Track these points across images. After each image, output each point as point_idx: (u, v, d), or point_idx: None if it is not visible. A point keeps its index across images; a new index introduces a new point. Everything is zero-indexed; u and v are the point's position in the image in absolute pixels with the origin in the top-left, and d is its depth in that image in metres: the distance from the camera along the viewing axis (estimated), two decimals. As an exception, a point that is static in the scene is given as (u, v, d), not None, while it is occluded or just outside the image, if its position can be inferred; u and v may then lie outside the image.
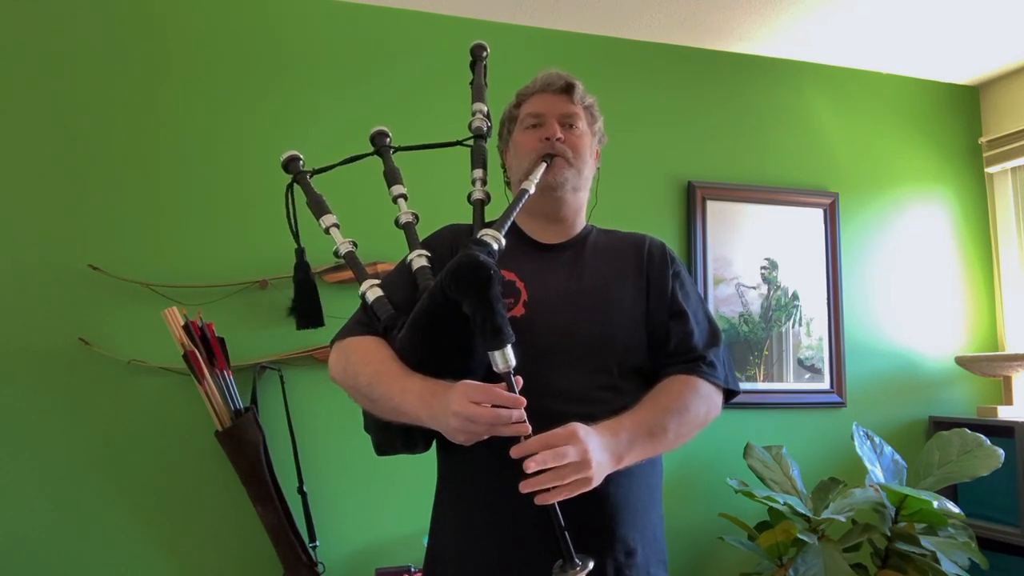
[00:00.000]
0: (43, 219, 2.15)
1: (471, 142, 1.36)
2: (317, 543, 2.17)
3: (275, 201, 2.24)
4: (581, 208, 1.34)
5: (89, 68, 2.24)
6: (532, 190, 1.20)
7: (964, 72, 3.01)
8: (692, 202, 2.71)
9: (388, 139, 1.37)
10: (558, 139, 1.26)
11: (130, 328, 2.16)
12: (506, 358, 1.01)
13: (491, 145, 1.40)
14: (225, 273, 2.24)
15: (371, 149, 1.38)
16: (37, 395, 2.10)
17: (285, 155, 1.34)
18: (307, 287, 1.43)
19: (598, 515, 1.11)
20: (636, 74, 2.74)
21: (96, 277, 2.15)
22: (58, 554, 2.07)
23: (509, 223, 1.14)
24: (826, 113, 2.93)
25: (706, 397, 1.19)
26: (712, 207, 2.73)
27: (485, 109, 1.38)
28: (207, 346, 2.10)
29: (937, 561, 2.11)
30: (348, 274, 2.27)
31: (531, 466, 0.95)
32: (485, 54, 1.46)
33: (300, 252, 1.41)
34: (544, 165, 1.24)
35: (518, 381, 1.03)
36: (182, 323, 2.08)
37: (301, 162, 1.34)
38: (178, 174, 2.27)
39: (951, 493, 2.69)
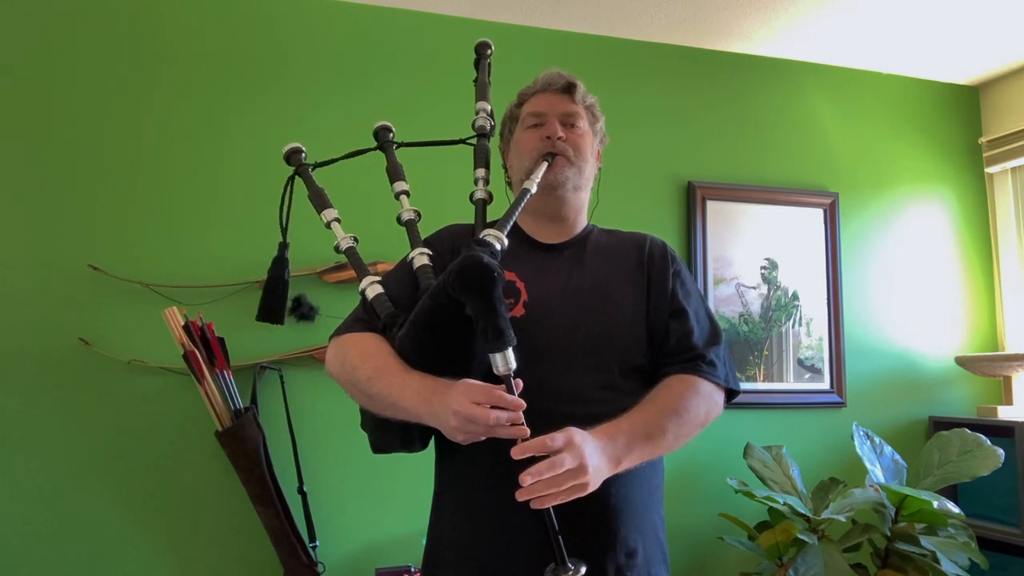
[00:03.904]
0: (43, 219, 2.15)
1: (474, 140, 1.36)
2: (317, 543, 2.17)
3: (275, 201, 2.24)
4: (582, 207, 1.34)
5: (89, 68, 2.24)
6: (534, 189, 1.20)
7: (964, 72, 3.01)
8: (692, 202, 2.71)
9: (391, 134, 1.37)
10: (559, 138, 1.26)
11: (130, 328, 2.16)
12: (507, 360, 1.00)
13: (493, 145, 1.39)
14: (225, 273, 2.24)
15: (374, 144, 1.37)
16: (37, 395, 2.10)
17: (287, 147, 1.33)
18: (278, 283, 1.40)
19: (598, 516, 1.10)
20: (636, 74, 2.74)
21: (96, 277, 2.15)
22: (58, 553, 2.07)
23: (511, 223, 1.14)
24: (826, 113, 2.93)
25: (706, 397, 1.18)
26: (712, 207, 2.73)
27: (488, 108, 1.37)
28: (207, 346, 2.10)
29: (937, 561, 2.11)
30: (348, 274, 2.27)
31: (526, 480, 0.95)
32: (489, 52, 1.45)
33: (283, 246, 1.39)
34: (545, 164, 1.24)
35: (518, 384, 1.02)
36: (182, 323, 2.08)
37: (303, 154, 1.33)
38: (178, 174, 2.27)
39: (951, 493, 2.69)
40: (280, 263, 1.39)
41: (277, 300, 1.40)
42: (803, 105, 2.90)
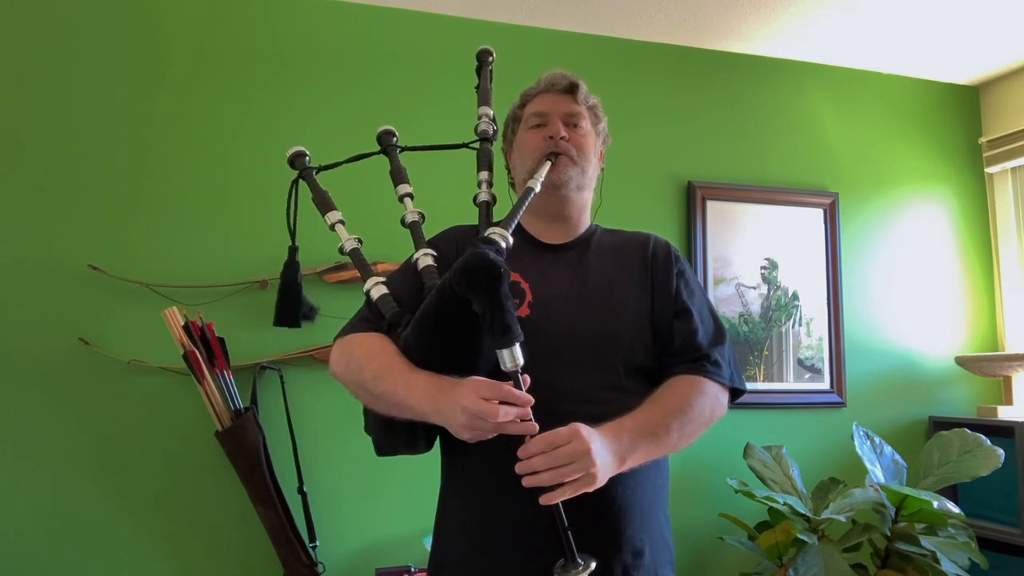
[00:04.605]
0: (43, 219, 2.15)
1: (477, 144, 1.37)
2: (317, 543, 2.17)
3: (275, 201, 2.24)
4: (585, 207, 1.34)
5: (89, 68, 2.23)
6: (538, 188, 1.20)
7: (964, 72, 3.01)
8: (692, 202, 2.71)
9: (395, 138, 1.37)
10: (562, 137, 1.26)
11: (130, 328, 2.16)
12: (514, 357, 1.00)
13: (496, 148, 1.40)
14: (225, 273, 2.24)
15: (377, 148, 1.37)
16: (37, 395, 2.10)
17: (291, 151, 1.33)
18: (292, 287, 1.41)
19: (605, 516, 1.10)
20: (636, 74, 2.74)
21: (96, 277, 2.15)
22: (58, 554, 2.07)
23: (516, 222, 1.14)
24: (826, 113, 2.93)
25: (711, 396, 1.19)
26: (712, 207, 2.73)
27: (491, 113, 1.39)
28: (207, 346, 2.10)
29: (937, 561, 2.11)
30: (348, 274, 2.27)
31: (522, 467, 0.96)
32: (491, 59, 1.46)
33: (293, 250, 1.40)
34: (549, 164, 1.24)
35: (525, 380, 1.02)
36: (182, 323, 2.08)
37: (307, 158, 1.34)
38: (178, 174, 2.27)
39: (951, 493, 2.69)
40: (291, 267, 1.41)
41: (292, 304, 1.41)
42: (803, 105, 2.90)
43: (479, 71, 1.46)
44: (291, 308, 1.41)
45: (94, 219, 2.19)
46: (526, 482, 0.97)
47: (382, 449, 1.23)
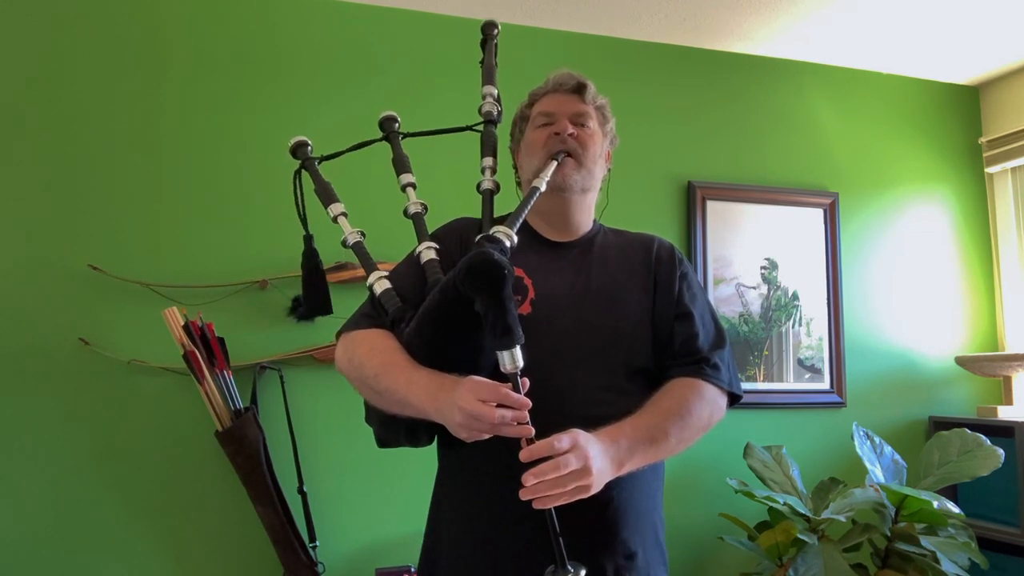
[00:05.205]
0: (43, 219, 2.15)
1: (481, 127, 1.34)
2: (317, 543, 2.17)
3: (275, 201, 2.25)
4: (590, 208, 1.33)
5: (89, 68, 2.23)
6: (543, 187, 1.19)
7: (964, 72, 3.01)
8: (692, 202, 2.71)
9: (397, 124, 1.34)
10: (569, 134, 1.25)
11: (130, 328, 2.16)
12: (514, 359, 1.00)
13: (502, 139, 1.37)
14: (225, 273, 2.24)
15: (379, 136, 1.35)
16: (37, 395, 2.09)
17: (293, 140, 1.31)
18: (316, 275, 1.40)
19: (599, 518, 1.10)
20: (636, 74, 2.74)
21: (96, 277, 2.15)
22: (58, 554, 2.07)
23: (521, 221, 1.13)
24: (826, 113, 2.93)
25: (710, 400, 1.18)
26: (712, 207, 2.73)
27: (495, 92, 1.35)
28: (207, 346, 2.10)
29: (937, 561, 2.11)
30: (348, 274, 2.26)
31: (529, 480, 0.94)
32: (496, 32, 1.41)
33: (308, 239, 1.37)
34: (555, 163, 1.23)
35: (524, 383, 1.01)
36: (182, 323, 2.08)
37: (309, 148, 1.32)
38: (178, 174, 2.26)
39: (951, 493, 2.69)
40: (311, 255, 1.39)
41: (320, 292, 1.40)
42: (803, 105, 2.90)
43: (483, 45, 1.41)
44: (320, 295, 1.40)
45: (94, 219, 2.19)
46: (522, 494, 0.95)
47: (383, 441, 1.22)
